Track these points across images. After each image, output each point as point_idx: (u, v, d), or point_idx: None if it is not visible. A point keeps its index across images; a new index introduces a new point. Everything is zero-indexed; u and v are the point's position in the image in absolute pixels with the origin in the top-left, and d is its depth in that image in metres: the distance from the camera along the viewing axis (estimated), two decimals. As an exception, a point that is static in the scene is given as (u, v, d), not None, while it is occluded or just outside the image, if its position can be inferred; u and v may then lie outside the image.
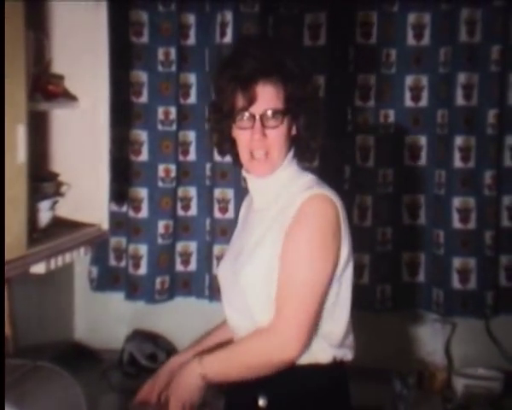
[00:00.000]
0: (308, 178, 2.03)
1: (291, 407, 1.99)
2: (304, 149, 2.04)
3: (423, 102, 3.05)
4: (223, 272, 2.15)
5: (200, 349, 2.21)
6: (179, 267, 3.23)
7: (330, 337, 1.99)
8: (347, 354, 2.04)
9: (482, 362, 3.02)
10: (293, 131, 2.02)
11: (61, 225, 2.46)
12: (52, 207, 2.38)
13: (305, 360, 1.97)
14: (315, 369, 1.98)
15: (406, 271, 3.10)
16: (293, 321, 1.91)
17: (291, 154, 2.03)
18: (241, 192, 2.75)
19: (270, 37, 2.86)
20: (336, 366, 2.01)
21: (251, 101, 1.94)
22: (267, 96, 1.95)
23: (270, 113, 1.95)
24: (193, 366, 1.99)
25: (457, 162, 2.98)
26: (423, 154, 3.06)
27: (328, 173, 3.06)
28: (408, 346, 3.13)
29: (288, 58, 1.98)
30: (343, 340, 2.02)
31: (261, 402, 1.99)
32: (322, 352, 1.99)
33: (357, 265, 2.98)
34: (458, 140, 2.97)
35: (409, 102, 3.06)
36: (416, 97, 3.05)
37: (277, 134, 1.97)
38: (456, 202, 2.98)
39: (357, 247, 3.00)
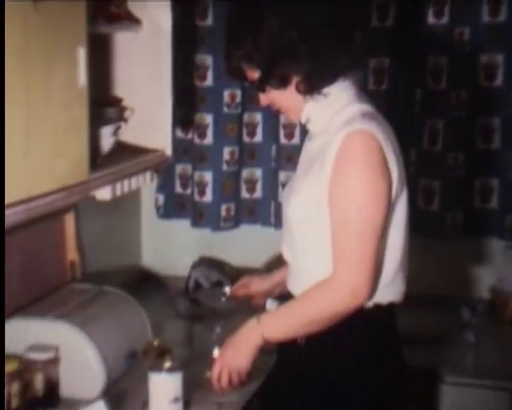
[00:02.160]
0: (355, 108, 1.93)
1: (328, 346, 1.94)
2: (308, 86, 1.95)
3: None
4: (282, 199, 2.14)
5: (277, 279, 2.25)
6: (244, 195, 3.21)
7: (377, 279, 1.91)
8: (395, 297, 1.96)
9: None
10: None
11: (124, 151, 2.44)
12: (115, 133, 2.35)
13: None
14: (355, 312, 1.90)
15: (478, 197, 3.00)
16: (358, 266, 1.84)
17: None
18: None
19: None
20: (381, 308, 1.94)
21: (246, 79, 2.03)
22: (249, 74, 1.99)
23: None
24: (252, 327, 1.95)
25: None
26: (499, 74, 2.93)
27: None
28: (479, 274, 3.06)
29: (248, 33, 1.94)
30: (391, 282, 1.94)
31: (299, 340, 1.95)
32: None
33: (426, 190, 2.97)
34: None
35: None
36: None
37: (273, 98, 2.00)
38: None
39: (428, 172, 2.97)
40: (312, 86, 1.94)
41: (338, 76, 1.95)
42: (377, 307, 1.93)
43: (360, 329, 1.93)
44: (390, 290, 1.95)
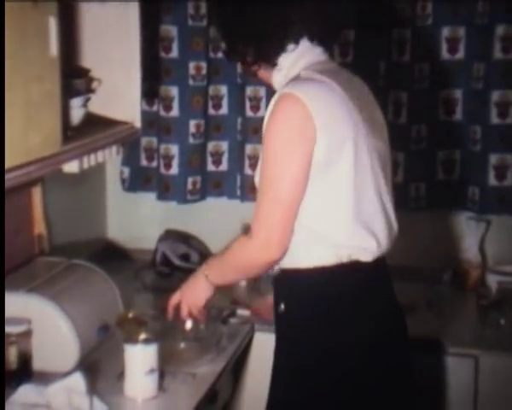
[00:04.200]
0: (302, 73, 1.98)
1: (303, 311, 1.99)
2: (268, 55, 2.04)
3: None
4: None
5: None
6: (211, 167, 3.21)
7: (327, 237, 1.93)
8: (358, 255, 1.96)
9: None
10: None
11: (93, 123, 2.42)
12: (85, 105, 2.34)
13: (307, 263, 1.96)
14: (320, 271, 1.95)
15: (441, 168, 3.04)
16: (267, 222, 1.92)
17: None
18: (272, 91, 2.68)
19: None
20: (345, 266, 1.95)
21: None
22: None
23: None
24: (200, 271, 2.13)
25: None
26: (461, 47, 2.96)
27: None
28: (442, 244, 3.11)
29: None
30: (348, 240, 1.94)
31: (280, 308, 2.03)
32: (323, 253, 1.95)
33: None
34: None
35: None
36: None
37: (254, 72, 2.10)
38: (495, 95, 2.90)
39: (392, 145, 2.99)
40: (259, 56, 2.02)
41: (283, 46, 1.99)
42: (345, 264, 1.95)
43: (332, 292, 1.96)
44: (356, 246, 1.96)
